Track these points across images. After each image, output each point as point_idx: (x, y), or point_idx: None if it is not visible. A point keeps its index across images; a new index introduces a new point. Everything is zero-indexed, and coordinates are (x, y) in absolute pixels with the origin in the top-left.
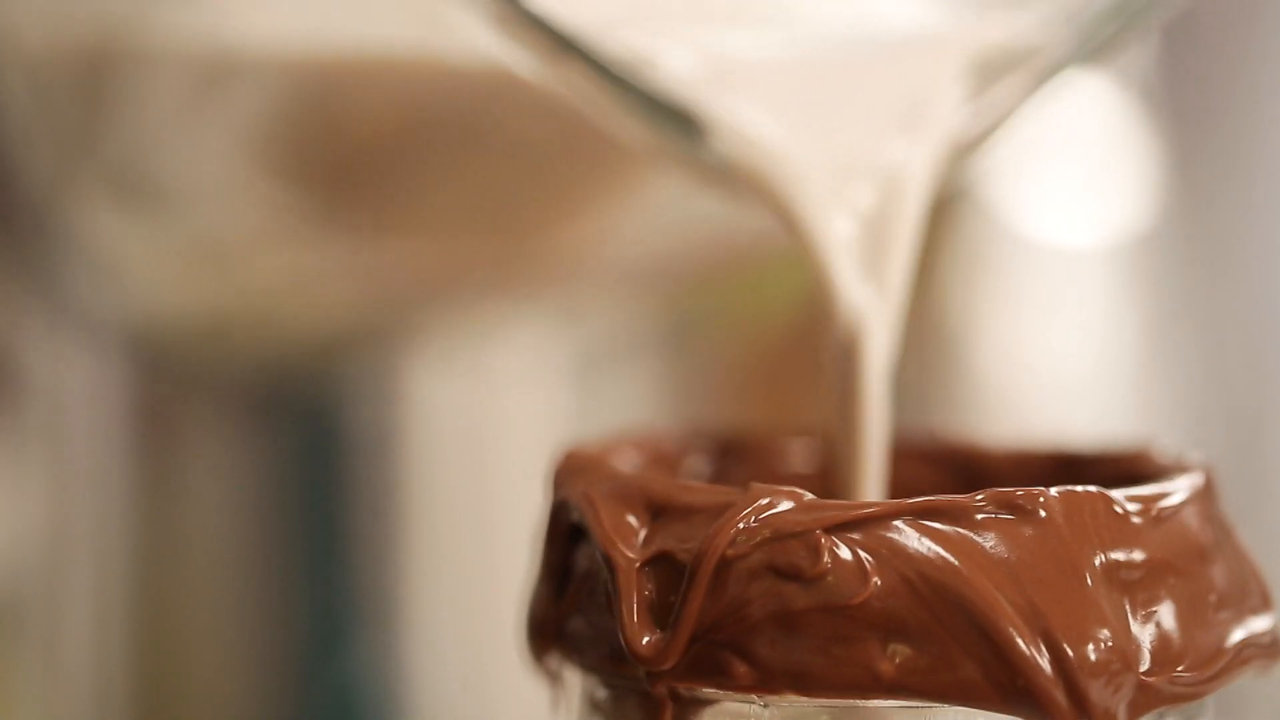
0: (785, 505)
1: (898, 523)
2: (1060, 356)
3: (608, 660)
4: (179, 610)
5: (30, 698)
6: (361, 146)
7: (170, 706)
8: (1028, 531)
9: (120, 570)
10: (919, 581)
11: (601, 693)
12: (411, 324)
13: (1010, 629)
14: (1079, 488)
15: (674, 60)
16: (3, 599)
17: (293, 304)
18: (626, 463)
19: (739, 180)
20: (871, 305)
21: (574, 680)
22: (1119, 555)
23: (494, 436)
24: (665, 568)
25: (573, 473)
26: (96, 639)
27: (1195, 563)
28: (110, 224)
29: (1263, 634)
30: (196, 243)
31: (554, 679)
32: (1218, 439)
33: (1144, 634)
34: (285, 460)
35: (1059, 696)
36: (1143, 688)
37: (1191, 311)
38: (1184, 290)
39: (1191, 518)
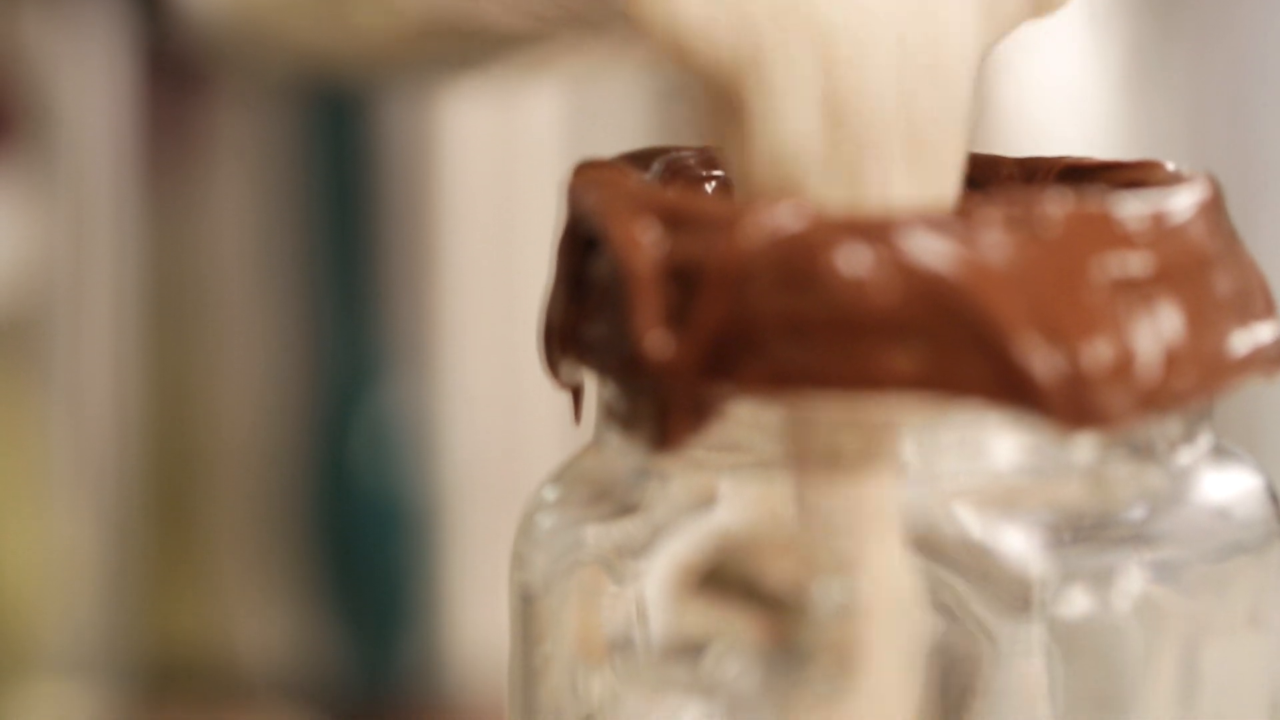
0: (796, 213)
1: (905, 230)
2: (1050, 80)
3: (622, 365)
4: (202, 346)
5: (52, 419)
6: None
7: (191, 439)
8: (1033, 238)
9: (143, 292)
10: (926, 286)
11: (616, 398)
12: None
13: (1015, 331)
14: (1084, 193)
15: None
16: (26, 322)
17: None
18: (643, 175)
19: None
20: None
21: (590, 388)
22: (1124, 261)
23: (524, 158)
24: (678, 273)
25: (588, 184)
26: (117, 362)
27: (1200, 269)
28: None
29: (1267, 340)
30: None
31: (570, 388)
32: (1213, 161)
33: (1147, 338)
34: (314, 178)
35: (1062, 398)
36: (1145, 391)
37: (1181, 35)
38: (1174, 9)
39: (1197, 225)
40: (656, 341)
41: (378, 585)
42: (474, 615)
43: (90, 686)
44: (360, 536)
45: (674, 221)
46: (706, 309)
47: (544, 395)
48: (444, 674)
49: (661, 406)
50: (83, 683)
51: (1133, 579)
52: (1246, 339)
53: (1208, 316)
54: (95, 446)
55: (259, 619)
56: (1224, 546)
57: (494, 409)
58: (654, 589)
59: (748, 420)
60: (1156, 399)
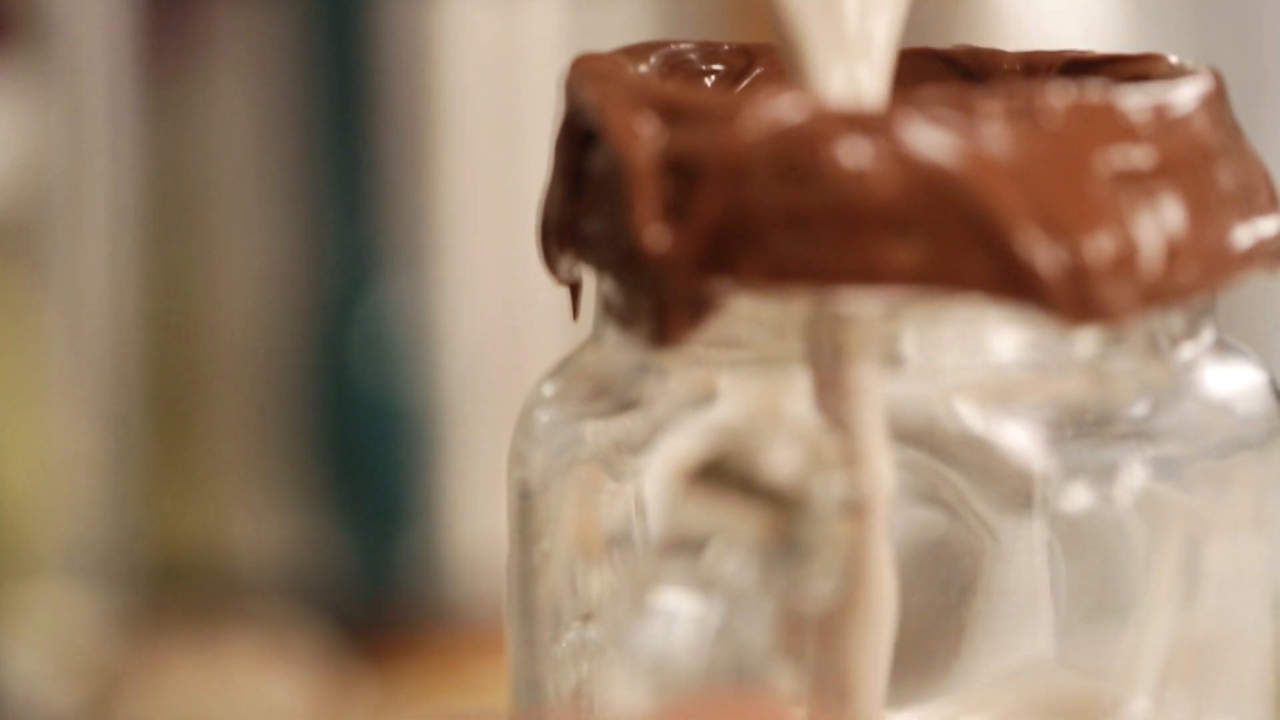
0: (796, 104)
1: (906, 121)
2: None
3: (620, 260)
4: (201, 241)
5: (51, 320)
6: None
7: (189, 339)
8: (1035, 129)
9: (141, 192)
10: (926, 177)
11: (615, 293)
12: None
13: (1016, 224)
14: (1087, 86)
15: None
16: (24, 223)
17: None
18: (641, 68)
19: None
20: None
21: (588, 282)
22: (1127, 153)
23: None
24: (676, 166)
25: (585, 77)
26: (115, 263)
27: (1203, 162)
28: None
29: (1270, 234)
30: None
31: (569, 283)
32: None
33: (1150, 231)
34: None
35: (1064, 292)
36: (1148, 284)
37: None
38: None
39: (1200, 118)
40: (655, 235)
41: (376, 485)
42: (472, 514)
43: (89, 586)
44: (359, 436)
45: (672, 114)
46: (705, 202)
47: (543, 293)
48: (442, 573)
49: (660, 301)
50: (82, 583)
51: (1134, 475)
52: (1249, 233)
53: (1210, 210)
54: (94, 347)
55: (258, 519)
56: (1226, 442)
57: (493, 307)
58: (653, 485)
59: (747, 315)
60: (1159, 293)
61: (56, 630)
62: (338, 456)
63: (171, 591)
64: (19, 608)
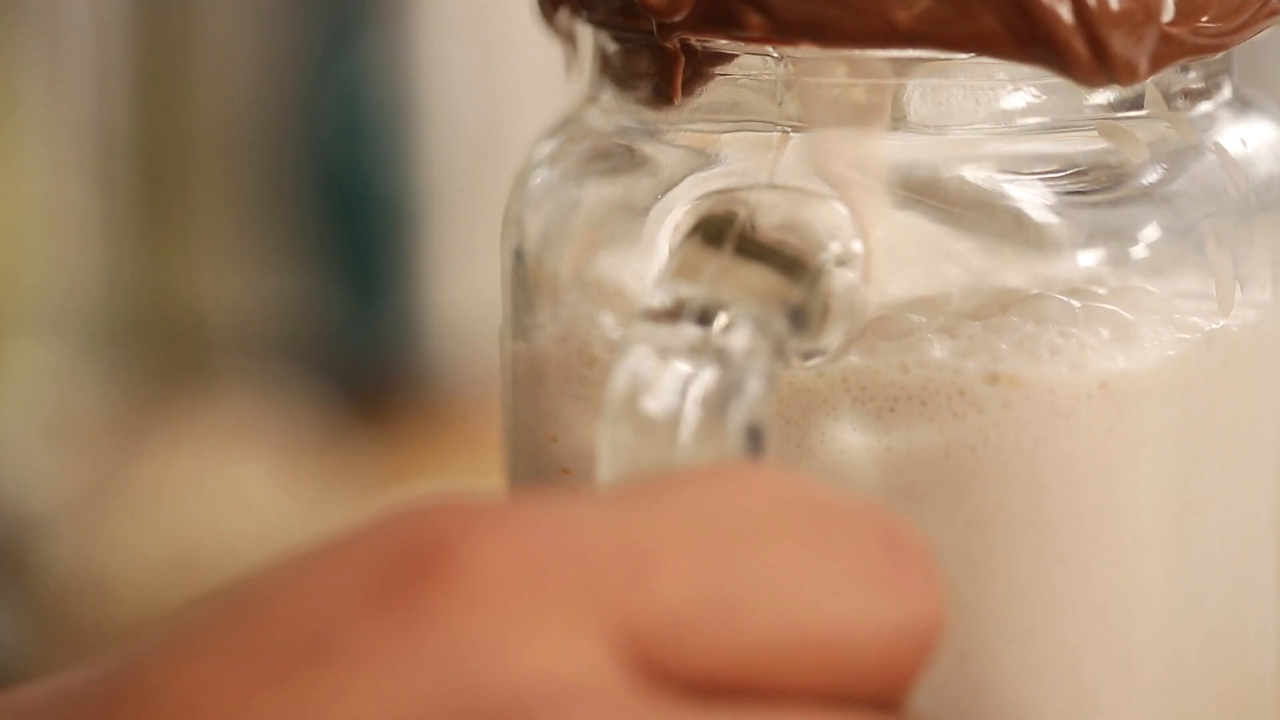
0: None
1: None
2: None
3: (619, 13)
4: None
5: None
6: None
7: (174, 100)
8: None
9: None
10: None
11: (613, 48)
12: None
13: None
14: None
15: None
16: None
17: None
18: None
19: None
20: None
21: (586, 37)
22: None
23: None
24: None
25: None
26: (98, 27)
27: None
28: None
29: None
30: None
31: (566, 37)
32: None
33: None
34: None
35: (1079, 46)
36: (1165, 38)
37: None
38: None
39: None
40: None
41: (360, 245)
42: (457, 274)
43: (74, 344)
44: (343, 196)
45: None
46: None
47: (526, 49)
48: (426, 335)
49: (662, 59)
50: (67, 341)
51: (1149, 235)
52: None
53: None
54: (80, 105)
55: (241, 279)
56: (1244, 202)
57: (475, 65)
58: (658, 249)
59: (748, 76)
60: (1177, 48)
61: (40, 390)
62: (323, 216)
63: (155, 350)
64: (3, 364)
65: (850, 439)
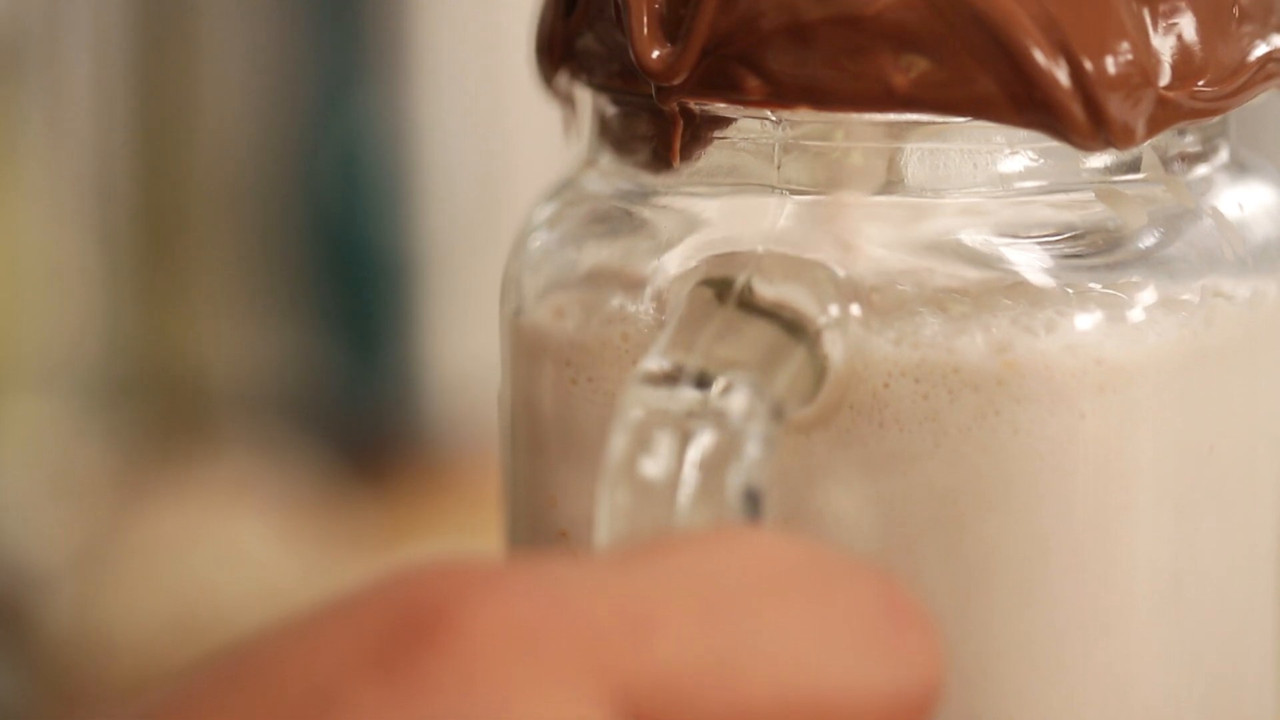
0: None
1: None
2: None
3: (618, 76)
4: (182, 55)
5: (37, 127)
6: None
7: (173, 157)
8: None
9: (123, 15)
10: None
11: (612, 111)
12: None
13: (1027, 40)
14: None
15: None
16: (10, 32)
17: None
18: None
19: None
20: None
21: (584, 100)
22: None
23: None
24: None
25: None
26: (99, 83)
27: None
28: None
29: None
30: None
31: (565, 100)
32: None
33: (1164, 47)
34: None
35: (1076, 110)
36: (1162, 102)
37: None
38: None
39: None
40: (655, 57)
41: (358, 304)
42: (454, 335)
43: (73, 400)
44: (341, 253)
45: None
46: (706, 15)
47: (524, 110)
48: (422, 393)
49: (661, 124)
50: (66, 397)
51: (1147, 299)
52: (1264, 48)
53: (1228, 26)
54: (80, 159)
55: (240, 337)
56: (1240, 267)
57: (474, 123)
58: (654, 312)
59: (748, 139)
60: (1175, 113)
61: (40, 446)
62: (322, 274)
63: (155, 406)
64: (2, 422)
65: (846, 502)
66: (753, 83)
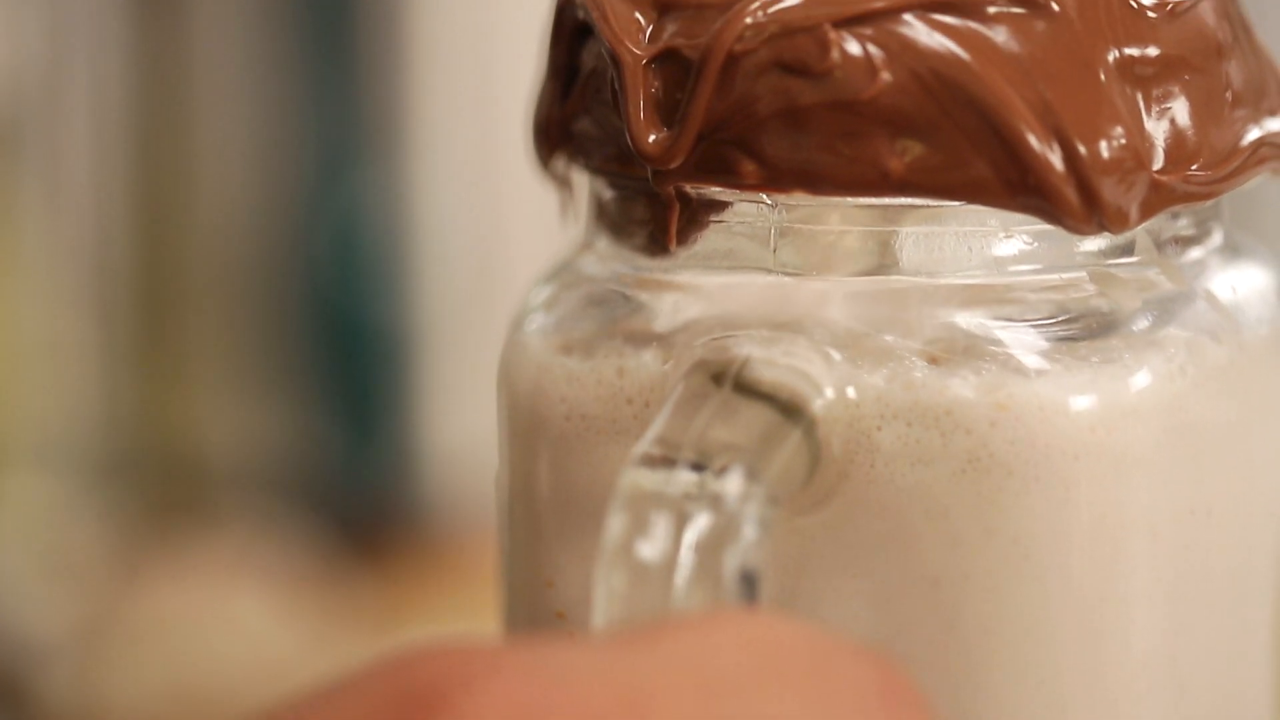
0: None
1: (908, 17)
2: None
3: (614, 160)
4: (181, 133)
5: (34, 205)
6: None
7: (171, 235)
8: (1041, 26)
9: (121, 92)
10: (929, 77)
11: (609, 194)
12: None
13: (1022, 125)
14: None
15: None
16: (8, 111)
17: None
18: None
19: None
20: None
21: (581, 183)
22: (1133, 50)
23: None
24: (672, 64)
25: None
26: (97, 160)
27: (1211, 59)
28: None
29: (1278, 133)
30: None
31: (562, 183)
32: None
33: (1158, 131)
34: None
35: (1070, 194)
36: (1156, 186)
37: None
38: None
39: (1208, 13)
40: (651, 142)
41: (356, 382)
42: (451, 413)
43: (71, 477)
44: (338, 331)
45: (668, 8)
46: (702, 100)
47: (520, 190)
48: (419, 472)
49: (657, 208)
50: (64, 473)
51: (1141, 381)
52: (1257, 132)
53: (1220, 111)
54: (77, 238)
55: (238, 414)
56: (1234, 347)
57: (470, 203)
58: (653, 393)
59: (744, 223)
60: (1168, 197)
61: (37, 522)
62: (319, 352)
63: (152, 483)
64: (1, 498)
65: (840, 584)
66: (748, 167)
